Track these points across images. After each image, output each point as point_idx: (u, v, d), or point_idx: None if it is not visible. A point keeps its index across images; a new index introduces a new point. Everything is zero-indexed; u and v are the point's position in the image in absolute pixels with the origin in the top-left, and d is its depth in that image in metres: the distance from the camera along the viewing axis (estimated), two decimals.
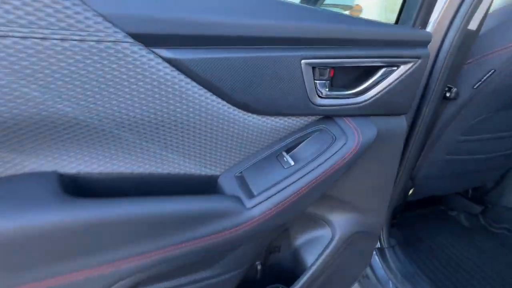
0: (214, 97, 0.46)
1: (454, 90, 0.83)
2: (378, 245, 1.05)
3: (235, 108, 0.49)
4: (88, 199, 0.40)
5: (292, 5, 0.50)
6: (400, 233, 1.22)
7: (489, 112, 0.91)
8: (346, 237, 0.69)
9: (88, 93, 0.39)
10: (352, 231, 0.70)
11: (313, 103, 0.54)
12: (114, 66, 0.39)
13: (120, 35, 0.37)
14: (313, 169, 0.52)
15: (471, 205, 1.41)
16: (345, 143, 0.54)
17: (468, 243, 1.27)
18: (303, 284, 0.67)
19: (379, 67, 0.55)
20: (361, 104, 0.57)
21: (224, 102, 0.48)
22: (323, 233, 0.70)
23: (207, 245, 0.48)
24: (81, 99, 0.39)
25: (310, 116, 0.58)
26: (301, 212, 0.59)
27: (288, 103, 0.52)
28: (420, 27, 0.59)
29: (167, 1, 0.40)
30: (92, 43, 0.36)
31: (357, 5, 2.39)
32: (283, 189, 0.51)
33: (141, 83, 0.41)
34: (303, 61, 0.49)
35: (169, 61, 0.41)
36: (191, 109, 0.46)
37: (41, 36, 0.34)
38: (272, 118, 0.53)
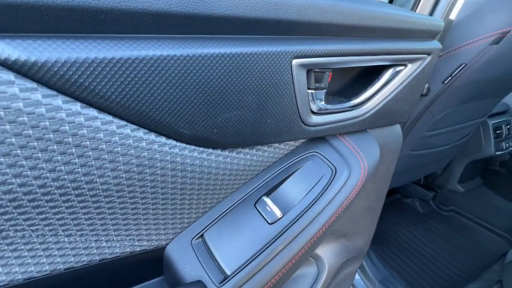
0: (146, 135, 0.28)
1: (426, 86, 0.78)
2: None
3: (186, 145, 0.31)
4: None
5: None
6: None
7: (453, 106, 0.89)
8: (334, 269, 0.58)
9: None
10: (340, 262, 0.59)
11: (304, 123, 0.37)
12: None
13: None
14: (310, 222, 0.36)
15: (423, 191, 1.48)
16: (349, 176, 0.39)
17: (424, 230, 1.32)
18: None
19: (385, 67, 0.42)
20: (361, 118, 0.43)
21: (164, 139, 0.29)
22: (309, 269, 0.57)
23: None
24: None
25: (298, 140, 0.42)
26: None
27: (270, 128, 0.35)
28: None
29: None
30: None
31: None
32: (271, 260, 0.34)
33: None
34: (294, 61, 0.32)
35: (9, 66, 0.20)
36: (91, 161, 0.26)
37: None
38: (246, 150, 0.36)
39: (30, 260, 0.27)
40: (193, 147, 0.31)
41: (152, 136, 0.28)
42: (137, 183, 0.28)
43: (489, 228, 1.30)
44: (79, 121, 0.23)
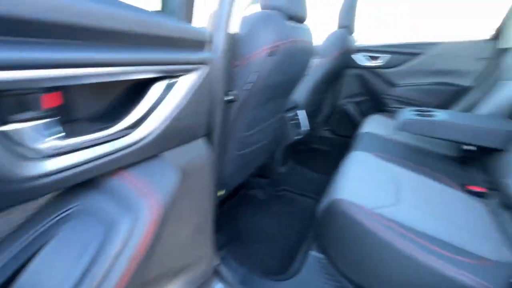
0: None
1: (234, 92, 0.87)
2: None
3: None
4: None
5: None
6: (222, 235, 1.25)
7: (259, 107, 1.06)
8: None
9: None
10: None
11: (22, 180, 0.24)
12: None
13: None
14: None
15: (260, 180, 1.73)
16: (134, 224, 0.31)
17: (269, 213, 1.55)
18: None
19: (151, 81, 0.37)
20: (141, 144, 0.35)
21: None
22: None
23: None
24: None
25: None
26: None
27: None
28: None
29: None
30: None
31: None
32: None
33: None
34: None
35: None
36: None
37: None
38: None
39: None
40: None
41: None
42: None
43: (307, 195, 1.70)
44: None
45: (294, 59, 1.03)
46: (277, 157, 1.72)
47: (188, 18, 0.46)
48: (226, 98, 0.84)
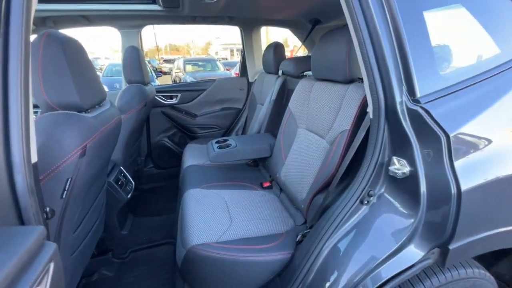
0: None
1: (48, 209, 0.79)
2: None
3: None
4: None
5: None
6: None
7: (80, 204, 1.00)
8: None
9: None
10: None
11: None
12: None
13: None
14: None
15: (102, 258, 1.58)
16: None
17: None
18: None
19: None
20: None
21: None
22: None
23: None
24: None
25: None
26: None
27: None
28: None
29: None
30: None
31: None
32: None
33: None
34: None
35: None
36: None
37: None
38: None
39: None
40: None
41: None
42: None
43: (160, 244, 1.75)
44: None
45: (106, 142, 1.06)
46: (114, 223, 1.62)
47: None
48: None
